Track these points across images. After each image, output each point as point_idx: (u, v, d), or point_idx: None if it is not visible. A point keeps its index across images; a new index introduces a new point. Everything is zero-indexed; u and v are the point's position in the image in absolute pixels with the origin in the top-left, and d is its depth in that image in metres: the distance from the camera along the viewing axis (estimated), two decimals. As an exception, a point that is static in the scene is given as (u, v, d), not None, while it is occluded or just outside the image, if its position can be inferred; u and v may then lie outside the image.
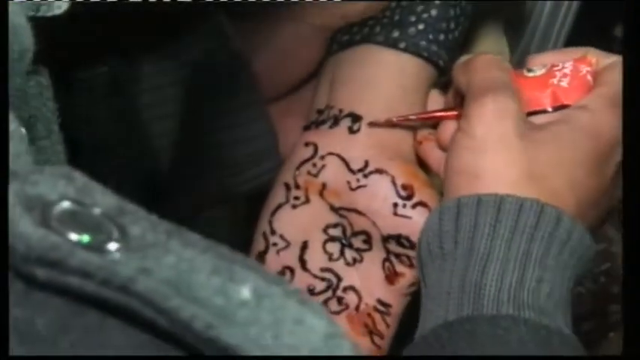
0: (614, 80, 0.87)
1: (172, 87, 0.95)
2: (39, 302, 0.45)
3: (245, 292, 0.47)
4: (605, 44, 2.05)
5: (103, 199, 0.48)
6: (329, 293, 0.93)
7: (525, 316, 0.76)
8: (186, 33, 0.97)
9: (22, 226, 0.44)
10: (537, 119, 0.85)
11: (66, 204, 0.46)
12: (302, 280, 0.95)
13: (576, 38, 1.58)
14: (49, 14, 0.59)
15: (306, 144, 0.95)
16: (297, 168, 0.94)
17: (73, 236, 0.45)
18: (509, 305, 0.77)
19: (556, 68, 0.88)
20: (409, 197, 0.92)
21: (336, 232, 0.93)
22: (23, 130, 0.56)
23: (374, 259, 0.92)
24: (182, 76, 0.97)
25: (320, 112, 0.95)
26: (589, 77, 0.87)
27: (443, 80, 0.99)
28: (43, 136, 0.69)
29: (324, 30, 0.98)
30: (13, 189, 0.46)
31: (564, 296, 0.80)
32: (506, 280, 0.78)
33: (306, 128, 0.96)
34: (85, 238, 0.45)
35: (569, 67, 0.87)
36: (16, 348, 0.44)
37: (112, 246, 0.45)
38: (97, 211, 0.47)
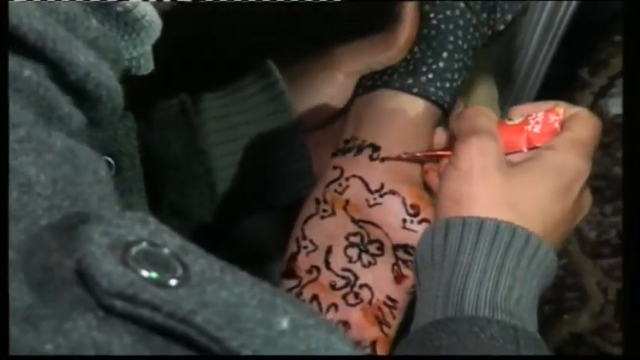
0: (577, 127, 0.88)
1: (231, 117, 0.95)
2: (116, 328, 0.44)
3: (284, 324, 0.46)
4: (573, 89, 2.03)
5: (170, 240, 0.48)
6: (347, 289, 0.93)
7: (498, 317, 0.77)
8: (241, 75, 0.97)
9: (106, 264, 0.44)
10: (514, 157, 0.86)
11: (142, 245, 0.46)
12: (326, 277, 0.94)
13: (550, 83, 1.59)
14: (138, 74, 0.59)
15: (334, 167, 0.95)
16: (327, 186, 0.94)
17: (145, 273, 0.45)
18: (485, 308, 0.77)
19: (530, 117, 0.89)
20: (416, 214, 0.92)
21: (355, 239, 0.93)
22: (109, 173, 0.55)
23: (385, 263, 0.92)
24: (238, 109, 0.97)
25: (347, 142, 0.95)
26: (557, 124, 0.87)
27: (447, 119, 0.98)
28: (127, 167, 0.69)
29: (352, 76, 0.97)
30: (99, 230, 0.46)
31: (531, 301, 0.80)
32: (484, 288, 0.79)
33: (335, 155, 0.96)
34: (154, 275, 0.45)
35: (540, 116, 0.88)
36: None
37: (176, 282, 0.45)
38: (166, 250, 0.47)
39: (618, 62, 2.05)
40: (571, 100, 1.94)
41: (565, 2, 1.42)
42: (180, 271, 0.46)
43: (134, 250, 0.46)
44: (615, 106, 2.03)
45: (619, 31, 2.09)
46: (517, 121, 0.90)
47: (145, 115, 0.90)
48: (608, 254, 1.88)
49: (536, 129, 0.88)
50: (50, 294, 0.44)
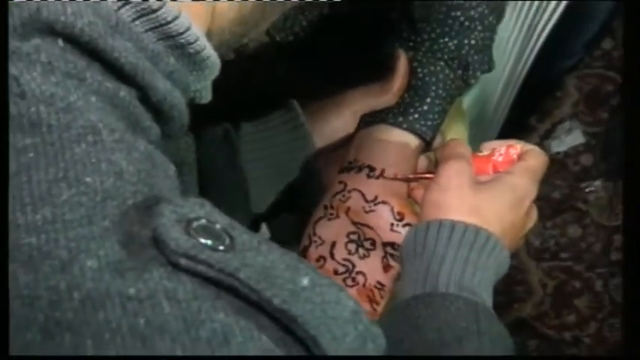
0: (530, 159, 0.88)
1: (262, 141, 0.96)
2: (181, 279, 0.44)
3: (305, 281, 0.47)
4: (524, 131, 1.98)
5: (221, 219, 0.48)
6: (347, 274, 0.92)
7: (464, 295, 0.77)
8: (272, 110, 0.98)
9: (174, 233, 0.45)
10: (482, 178, 0.86)
11: (200, 221, 0.47)
12: (330, 265, 0.94)
13: (507, 126, 1.58)
14: (200, 102, 0.60)
15: (340, 182, 0.95)
16: (333, 196, 0.94)
17: (202, 240, 0.45)
18: (454, 288, 0.78)
19: (496, 150, 0.89)
20: (401, 220, 0.92)
21: (354, 237, 0.93)
22: (175, 173, 0.55)
23: (376, 256, 0.92)
24: (268, 135, 0.98)
25: (350, 163, 0.95)
26: (515, 156, 0.88)
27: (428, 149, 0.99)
28: (187, 174, 0.69)
29: (356, 114, 0.98)
30: (169, 209, 0.46)
31: (488, 285, 0.80)
32: (453, 273, 0.79)
33: (341, 172, 0.95)
34: (209, 242, 0.46)
35: (503, 149, 0.89)
36: (166, 307, 0.43)
37: (224, 248, 0.46)
38: (217, 226, 0.47)
39: (559, 112, 2.01)
40: (522, 140, 1.96)
41: (521, 63, 1.39)
42: (228, 241, 0.47)
43: (194, 224, 0.46)
44: (555, 146, 1.99)
45: (560, 89, 2.05)
46: (486, 152, 0.90)
47: (198, 136, 0.90)
48: (548, 258, 1.87)
49: (500, 159, 0.89)
50: (133, 253, 0.44)
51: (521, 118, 2.00)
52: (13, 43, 0.48)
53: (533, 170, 0.89)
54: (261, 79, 1.12)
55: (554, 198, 1.93)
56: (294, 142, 0.97)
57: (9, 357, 0.43)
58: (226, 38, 0.62)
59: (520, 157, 0.89)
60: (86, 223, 0.45)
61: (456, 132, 1.08)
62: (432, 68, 0.98)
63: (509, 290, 1.84)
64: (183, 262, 0.45)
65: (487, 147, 0.92)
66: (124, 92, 0.51)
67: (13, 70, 0.47)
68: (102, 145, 0.48)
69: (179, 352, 0.42)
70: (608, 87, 2.02)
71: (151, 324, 0.43)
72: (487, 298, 0.79)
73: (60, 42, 0.48)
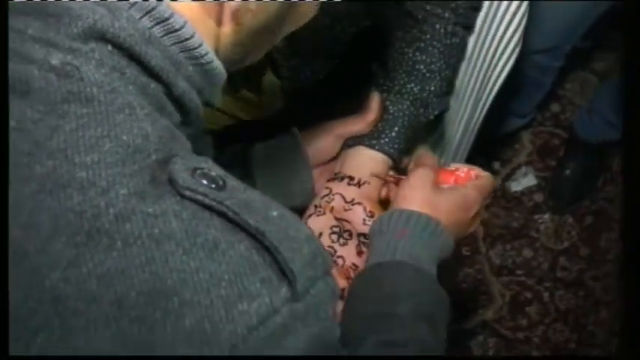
0: (482, 180, 0.90)
1: (270, 157, 0.96)
2: (185, 205, 0.46)
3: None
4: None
5: (218, 170, 0.49)
6: (330, 258, 0.91)
7: (416, 264, 0.78)
8: (277, 135, 0.99)
9: (182, 174, 0.46)
10: (444, 186, 0.87)
11: (203, 170, 0.48)
12: None
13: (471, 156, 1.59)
14: (211, 105, 0.62)
15: (326, 187, 0.94)
16: (321, 198, 0.94)
17: (203, 181, 0.47)
18: (409, 259, 0.78)
19: (460, 169, 0.91)
20: (371, 216, 0.91)
21: (336, 229, 0.92)
22: (191, 146, 0.57)
23: (352, 244, 0.91)
24: (274, 152, 0.98)
25: (336, 174, 0.95)
26: (473, 176, 0.89)
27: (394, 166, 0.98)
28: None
29: (340, 138, 0.98)
30: (180, 161, 0.48)
31: (433, 260, 0.80)
32: (410, 248, 0.79)
33: (328, 181, 0.95)
34: (206, 182, 0.47)
35: (465, 169, 0.90)
36: (173, 222, 0.45)
37: (217, 187, 0.48)
38: (213, 173, 0.49)
39: (517, 160, 2.02)
40: None
41: (474, 118, 1.35)
42: (221, 183, 0.48)
43: (198, 171, 0.48)
44: (514, 186, 1.99)
45: (518, 142, 2.05)
46: (452, 167, 0.92)
47: (222, 152, 0.91)
48: (506, 274, 1.86)
49: (462, 175, 0.90)
50: (153, 187, 0.46)
51: (487, 164, 2.03)
52: (76, 44, 0.48)
53: (483, 188, 0.90)
54: (271, 111, 1.12)
55: (512, 226, 1.93)
56: (295, 159, 0.97)
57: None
58: (228, 55, 0.61)
59: (476, 177, 0.90)
60: (121, 165, 0.46)
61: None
62: (400, 106, 0.98)
63: (475, 298, 1.83)
64: (187, 193, 0.47)
65: (454, 165, 0.93)
66: (154, 85, 0.52)
67: (75, 62, 0.48)
68: (135, 116, 0.49)
69: (180, 255, 0.44)
70: (556, 141, 2.04)
71: (163, 232, 0.44)
72: (430, 268, 0.80)
73: (109, 46, 0.49)
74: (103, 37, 0.49)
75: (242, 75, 1.13)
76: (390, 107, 0.98)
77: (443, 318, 0.77)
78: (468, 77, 1.17)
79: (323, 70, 1.11)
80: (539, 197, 1.97)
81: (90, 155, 0.46)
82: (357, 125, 0.97)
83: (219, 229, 0.46)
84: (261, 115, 1.15)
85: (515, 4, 1.11)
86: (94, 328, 0.41)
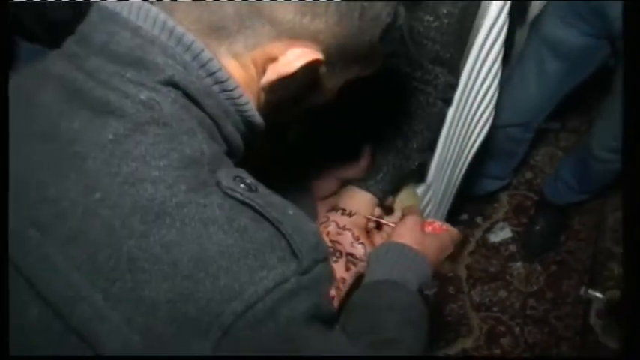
0: (453, 232, 0.92)
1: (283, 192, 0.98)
2: (226, 199, 0.50)
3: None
4: (469, 228, 1.84)
5: (252, 180, 0.53)
6: None
7: (406, 285, 0.78)
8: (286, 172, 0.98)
9: (225, 179, 0.52)
10: (426, 231, 0.88)
11: (242, 178, 0.53)
12: None
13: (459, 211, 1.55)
14: (253, 147, 0.64)
15: (325, 217, 0.95)
16: (321, 224, 0.94)
17: (241, 185, 0.51)
18: (401, 280, 0.78)
19: (436, 222, 0.92)
20: (358, 240, 0.92)
21: (330, 249, 0.92)
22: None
23: (342, 261, 0.92)
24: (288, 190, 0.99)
25: (333, 207, 0.96)
26: (445, 228, 0.91)
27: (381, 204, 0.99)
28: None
29: (339, 181, 0.98)
30: (225, 171, 0.53)
31: (416, 281, 0.80)
32: (402, 273, 0.79)
33: (327, 212, 0.96)
34: (243, 186, 0.51)
35: (439, 223, 0.92)
36: (217, 211, 0.50)
37: (250, 190, 0.52)
38: (248, 181, 0.52)
39: (496, 216, 2.02)
40: (466, 233, 1.95)
41: (456, 173, 1.35)
42: (253, 188, 0.52)
43: (237, 178, 0.52)
44: (493, 238, 1.98)
45: (497, 202, 2.04)
46: (430, 220, 0.92)
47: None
48: (484, 310, 1.84)
49: (437, 226, 0.91)
50: (204, 187, 0.50)
51: (471, 218, 2.04)
52: (159, 87, 0.52)
53: (454, 238, 0.92)
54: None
55: (490, 271, 1.92)
56: (304, 194, 0.97)
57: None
58: (265, 113, 0.62)
59: (447, 230, 0.91)
60: (183, 169, 0.50)
61: (405, 199, 1.09)
62: (386, 157, 1.00)
63: (457, 329, 1.82)
64: (228, 191, 0.51)
65: (431, 219, 0.94)
66: (209, 122, 0.56)
67: (157, 98, 0.52)
68: (195, 138, 0.52)
69: (221, 234, 0.48)
70: (529, 203, 2.03)
71: (209, 217, 0.48)
72: (413, 286, 0.79)
73: (181, 92, 0.53)
74: (177, 86, 0.53)
75: (273, 131, 1.17)
76: (379, 157, 1.00)
77: (424, 328, 0.78)
78: (449, 142, 1.19)
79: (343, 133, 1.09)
80: (513, 248, 1.97)
81: (162, 161, 0.50)
82: (352, 170, 0.99)
83: (249, 218, 0.50)
84: (285, 169, 1.19)
85: (486, 84, 1.15)
86: (155, 281, 0.46)
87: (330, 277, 0.54)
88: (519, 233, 1.99)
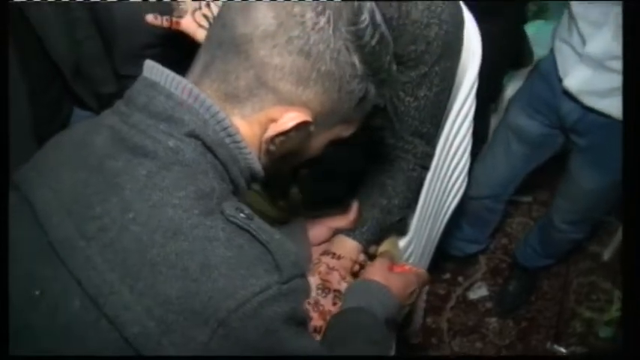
0: (420, 272, 0.94)
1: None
2: (227, 224, 0.55)
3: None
4: (452, 286, 1.85)
5: (249, 212, 0.58)
6: (315, 305, 0.92)
7: (374, 313, 0.81)
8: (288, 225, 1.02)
9: (228, 209, 0.57)
10: (395, 272, 0.91)
11: (241, 209, 0.58)
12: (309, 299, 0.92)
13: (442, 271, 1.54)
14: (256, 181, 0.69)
15: (317, 259, 0.97)
16: (314, 265, 0.96)
17: (241, 215, 0.57)
18: (369, 308, 0.81)
19: (406, 265, 0.95)
20: (344, 279, 0.94)
21: (320, 286, 0.93)
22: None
23: (330, 296, 0.92)
24: (286, 233, 1.01)
25: (325, 251, 0.98)
26: (414, 270, 0.93)
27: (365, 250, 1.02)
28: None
29: (331, 229, 1.01)
30: (229, 202, 0.58)
31: (384, 313, 0.82)
32: (367, 302, 0.82)
33: (320, 254, 0.98)
34: (243, 215, 0.57)
35: (409, 266, 0.95)
36: (220, 232, 0.55)
37: (248, 217, 0.57)
38: (247, 212, 0.58)
39: (475, 276, 2.02)
40: (448, 290, 1.96)
41: (435, 230, 1.35)
42: (250, 218, 0.57)
43: (238, 209, 0.57)
44: (472, 295, 1.98)
45: (476, 264, 2.05)
46: (401, 263, 0.96)
47: None
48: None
49: (406, 268, 0.94)
50: (212, 213, 0.56)
51: (453, 277, 2.05)
52: (183, 137, 0.58)
53: (420, 278, 0.94)
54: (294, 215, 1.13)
55: (469, 325, 1.92)
56: (302, 239, 0.99)
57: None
58: (265, 163, 0.67)
59: (417, 271, 0.94)
60: (197, 199, 0.56)
61: (389, 246, 1.12)
62: (371, 212, 1.03)
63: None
64: (230, 218, 0.57)
65: (402, 263, 0.98)
66: (220, 167, 0.61)
67: (181, 145, 0.58)
68: (208, 178, 0.58)
69: (222, 249, 0.53)
70: (504, 265, 2.04)
71: (214, 236, 0.54)
72: (380, 317, 0.82)
73: (200, 142, 0.60)
74: (197, 137, 0.60)
75: (278, 186, 1.20)
76: (365, 212, 1.03)
77: (386, 347, 0.81)
78: (427, 202, 1.22)
79: (335, 193, 1.16)
80: (489, 305, 1.97)
81: (181, 192, 0.57)
82: (342, 222, 1.02)
83: (245, 238, 0.56)
84: (286, 217, 1.25)
85: (459, 154, 1.20)
86: (170, 281, 0.52)
87: (306, 290, 0.59)
88: (495, 292, 1.99)
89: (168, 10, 0.95)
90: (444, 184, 1.24)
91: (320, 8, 0.58)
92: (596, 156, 1.37)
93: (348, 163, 1.15)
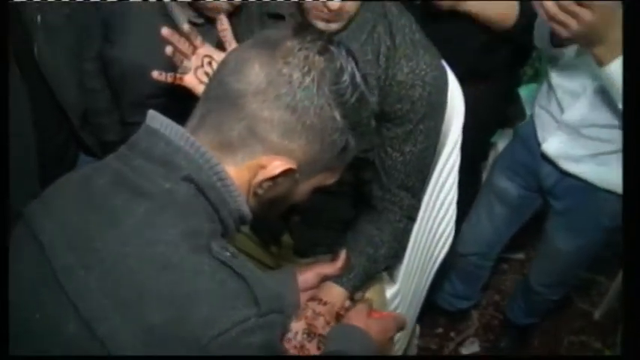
0: (398, 317, 0.98)
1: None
2: (212, 259, 0.60)
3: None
4: (446, 341, 1.82)
5: (233, 250, 0.64)
6: (301, 348, 0.95)
7: (352, 353, 0.84)
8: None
9: (215, 246, 0.62)
10: (374, 317, 0.94)
11: (226, 247, 0.63)
12: (293, 342, 0.95)
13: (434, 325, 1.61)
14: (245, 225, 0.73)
15: (305, 304, 0.99)
16: (302, 310, 0.98)
17: (226, 253, 0.62)
18: (349, 350, 0.85)
19: (385, 312, 0.98)
20: (329, 324, 0.97)
21: (306, 331, 0.96)
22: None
23: (315, 341, 0.95)
24: (277, 278, 1.01)
25: (312, 297, 1.01)
26: (391, 315, 0.96)
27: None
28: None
29: (319, 276, 1.03)
30: (216, 242, 0.63)
31: (359, 351, 0.86)
32: (345, 345, 0.86)
33: (307, 300, 1.01)
34: (228, 253, 0.62)
35: (388, 313, 0.98)
36: (206, 266, 0.59)
37: (232, 255, 0.62)
38: (232, 250, 0.63)
39: (467, 332, 2.02)
40: (441, 345, 1.96)
41: (423, 281, 1.37)
42: (235, 256, 0.63)
43: (223, 247, 0.63)
44: (464, 350, 1.97)
45: (469, 320, 2.05)
46: (380, 311, 0.99)
47: None
48: None
49: (385, 314, 0.97)
50: (201, 250, 0.61)
51: (445, 333, 2.04)
52: (179, 181, 0.64)
53: (398, 322, 0.97)
54: (286, 262, 1.17)
55: None
56: (291, 285, 0.99)
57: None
58: (253, 207, 0.72)
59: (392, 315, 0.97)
60: (187, 237, 0.61)
61: (379, 298, 1.16)
62: (358, 260, 1.06)
63: None
64: (216, 255, 0.61)
65: (381, 310, 1.00)
66: (210, 209, 0.66)
67: (176, 187, 0.63)
68: (199, 218, 0.64)
69: (207, 282, 0.58)
70: (496, 322, 2.05)
71: (200, 270, 0.59)
72: (354, 352, 0.85)
73: (193, 185, 0.65)
74: (192, 181, 0.65)
75: (271, 232, 1.25)
76: (352, 260, 1.07)
77: None
78: (414, 253, 1.26)
79: (325, 241, 1.21)
80: None
81: (173, 230, 0.62)
82: (330, 269, 1.06)
83: (227, 274, 0.61)
84: (277, 262, 1.29)
85: (444, 207, 1.24)
86: (158, 310, 0.57)
87: (283, 324, 0.63)
88: (487, 348, 1.99)
89: (172, 65, 1.03)
90: (430, 236, 1.28)
91: (306, 69, 0.66)
92: (571, 219, 1.42)
93: (339, 213, 1.20)
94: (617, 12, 0.96)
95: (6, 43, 0.63)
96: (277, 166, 0.67)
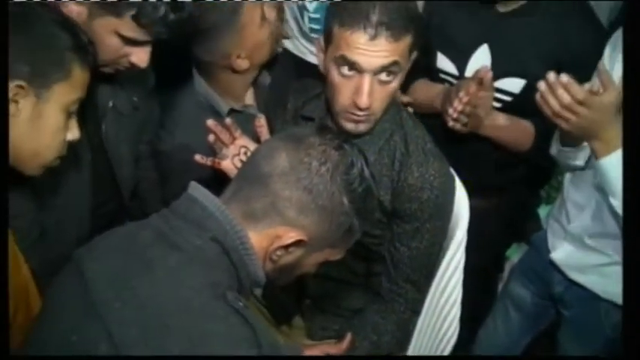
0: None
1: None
2: (228, 308, 0.69)
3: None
4: None
5: (245, 302, 0.72)
6: None
7: None
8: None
9: (230, 296, 0.71)
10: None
11: (239, 299, 0.72)
12: None
13: None
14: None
15: None
16: None
17: (240, 303, 0.71)
18: None
19: None
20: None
21: None
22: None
23: None
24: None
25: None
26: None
27: None
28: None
29: (323, 353, 1.11)
30: (231, 293, 0.72)
31: None
32: None
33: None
34: (240, 303, 0.70)
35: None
36: (221, 312, 0.69)
37: (244, 307, 0.70)
38: (243, 301, 0.72)
39: None
40: None
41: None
42: (246, 307, 0.71)
43: (237, 298, 0.72)
44: None
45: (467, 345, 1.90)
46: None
47: None
48: None
49: None
50: (218, 298, 0.70)
51: None
52: (207, 240, 0.74)
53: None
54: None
55: None
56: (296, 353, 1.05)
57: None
58: (268, 272, 0.80)
59: None
60: (209, 287, 0.70)
61: None
62: (361, 343, 1.13)
63: None
64: (230, 303, 0.70)
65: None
66: (232, 268, 0.76)
67: (205, 247, 0.74)
68: (221, 272, 0.74)
69: (220, 325, 0.67)
70: None
71: (215, 314, 0.69)
72: None
73: (219, 245, 0.75)
74: (218, 241, 0.76)
75: (284, 313, 1.30)
76: (356, 344, 1.14)
77: None
78: (417, 347, 1.27)
79: (334, 325, 1.27)
80: None
81: (199, 279, 0.73)
82: (335, 349, 1.16)
83: (238, 320, 0.71)
84: (287, 340, 1.32)
85: (448, 305, 1.28)
86: (176, 343, 0.67)
87: None
88: None
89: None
90: (435, 331, 1.32)
91: (323, 160, 0.79)
92: (578, 329, 1.44)
93: (349, 301, 1.29)
94: (615, 110, 1.04)
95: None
96: (291, 236, 0.79)
